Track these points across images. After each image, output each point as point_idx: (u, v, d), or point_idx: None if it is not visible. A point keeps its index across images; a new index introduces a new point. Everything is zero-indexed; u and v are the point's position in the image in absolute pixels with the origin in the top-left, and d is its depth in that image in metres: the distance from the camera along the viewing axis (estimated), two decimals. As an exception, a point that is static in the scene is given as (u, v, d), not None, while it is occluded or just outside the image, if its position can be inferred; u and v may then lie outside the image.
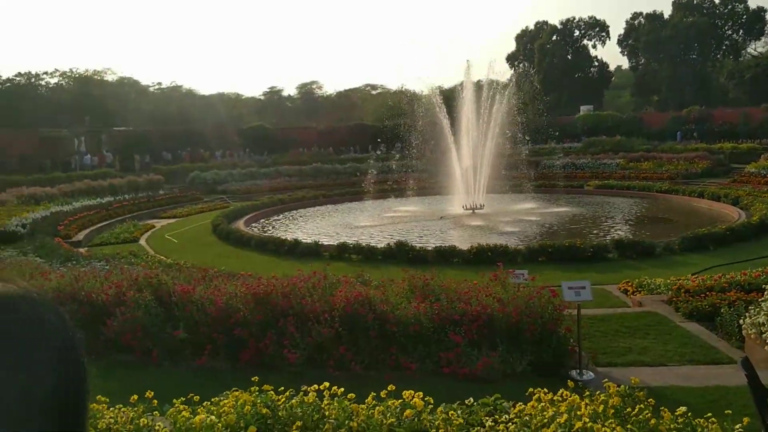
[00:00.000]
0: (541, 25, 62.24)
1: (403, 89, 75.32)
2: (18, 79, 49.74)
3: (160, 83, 70.82)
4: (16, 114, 44.15)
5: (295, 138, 47.08)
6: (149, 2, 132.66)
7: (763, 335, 5.65)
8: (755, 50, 58.13)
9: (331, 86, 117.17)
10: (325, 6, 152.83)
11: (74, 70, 54.81)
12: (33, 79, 50.57)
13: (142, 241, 19.55)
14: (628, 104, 62.86)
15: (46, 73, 52.26)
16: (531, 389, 3.70)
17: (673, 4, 56.44)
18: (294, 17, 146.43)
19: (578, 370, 5.25)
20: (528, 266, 13.76)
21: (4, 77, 49.28)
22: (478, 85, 26.88)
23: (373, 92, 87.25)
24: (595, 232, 18.70)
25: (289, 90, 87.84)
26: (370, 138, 48.07)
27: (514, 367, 5.14)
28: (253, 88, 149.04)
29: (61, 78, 53.45)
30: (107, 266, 9.56)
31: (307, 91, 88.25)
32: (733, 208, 20.61)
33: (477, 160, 24.39)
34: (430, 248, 14.83)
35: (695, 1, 55.26)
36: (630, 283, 11.06)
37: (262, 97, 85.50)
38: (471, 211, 22.76)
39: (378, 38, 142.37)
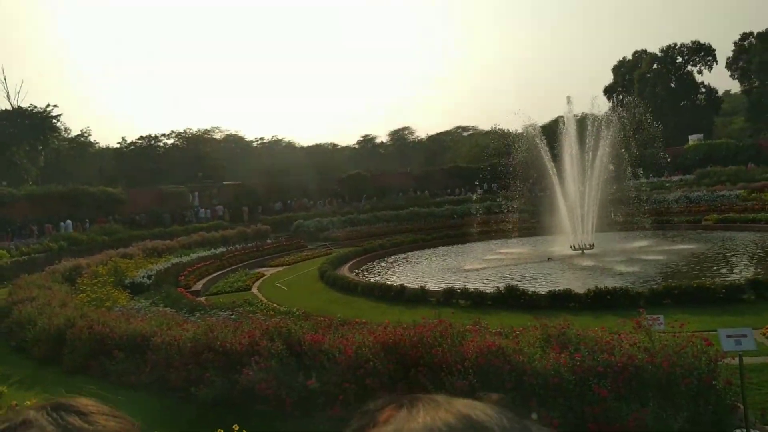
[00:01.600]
0: (640, 54, 60.02)
1: (497, 128, 75.06)
2: (140, 141, 54.67)
3: (262, 138, 75.16)
4: (139, 173, 48.39)
5: (391, 183, 47.86)
6: (248, 66, 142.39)
7: None
8: None
9: (422, 131, 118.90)
10: (416, 54, 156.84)
11: (187, 130, 59.47)
12: (153, 141, 55.36)
13: (254, 290, 20.38)
14: (742, 130, 58.61)
15: (163, 135, 57.03)
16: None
17: (788, 21, 52.60)
18: (386, 66, 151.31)
19: (743, 430, 4.72)
20: (651, 310, 12.89)
21: (129, 141, 54.31)
22: (580, 120, 26.15)
23: (465, 134, 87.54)
24: (722, 271, 17.24)
25: (382, 137, 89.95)
26: (465, 180, 47.96)
27: (669, 424, 4.71)
28: (347, 138, 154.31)
29: (176, 138, 58.12)
30: (233, 315, 9.98)
31: (399, 137, 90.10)
32: None
33: (583, 197, 23.50)
34: (543, 292, 14.25)
35: (814, 17, 51.15)
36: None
37: (357, 146, 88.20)
38: (580, 251, 21.83)
39: (468, 80, 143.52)
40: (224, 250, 27.16)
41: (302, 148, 75.70)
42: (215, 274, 23.04)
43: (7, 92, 51.29)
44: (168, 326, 8.05)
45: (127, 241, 27.09)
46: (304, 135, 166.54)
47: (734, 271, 17.15)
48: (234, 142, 70.50)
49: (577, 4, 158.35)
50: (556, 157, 25.35)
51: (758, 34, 53.83)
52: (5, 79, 50.26)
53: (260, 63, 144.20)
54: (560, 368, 5.13)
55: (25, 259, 24.58)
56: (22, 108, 46.70)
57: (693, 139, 48.21)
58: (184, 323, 8.28)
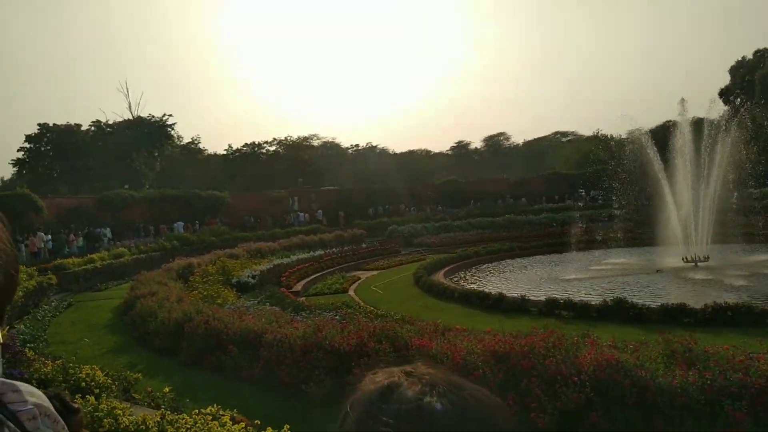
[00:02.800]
0: (763, 53, 55.40)
1: (599, 134, 72.09)
2: (245, 148, 57.59)
3: (357, 145, 76.80)
4: (244, 178, 50.99)
5: (487, 190, 47.19)
6: (345, 75, 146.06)
7: None
8: None
9: (518, 136, 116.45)
10: (513, 58, 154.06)
11: (288, 137, 61.94)
12: (256, 148, 58.14)
13: (351, 292, 20.77)
14: None
15: (266, 142, 59.72)
16: None
17: None
18: (480, 72, 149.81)
19: None
20: (780, 329, 11.80)
21: (234, 147, 57.37)
22: (692, 124, 24.49)
23: (564, 139, 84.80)
24: None
25: (476, 143, 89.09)
26: (564, 187, 46.36)
27: (819, 455, 4.26)
28: (441, 144, 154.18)
29: (278, 146, 60.67)
30: (336, 316, 10.22)
31: (494, 143, 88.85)
32: None
33: (698, 206, 21.98)
34: (654, 306, 13.44)
35: None
36: None
37: (450, 152, 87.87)
38: (693, 263, 20.43)
39: (566, 82, 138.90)
40: (322, 252, 27.92)
41: (395, 154, 76.59)
42: (314, 276, 23.74)
43: (129, 103, 55.79)
44: (278, 324, 8.37)
45: (233, 242, 28.56)
46: (398, 142, 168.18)
47: None
48: (331, 149, 72.60)
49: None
50: (666, 164, 23.91)
51: None
52: (128, 91, 54.80)
53: (356, 70, 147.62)
54: (688, 386, 4.79)
55: (144, 257, 26.57)
56: (141, 117, 50.73)
57: (825, 144, 43.70)
58: (293, 322, 8.57)
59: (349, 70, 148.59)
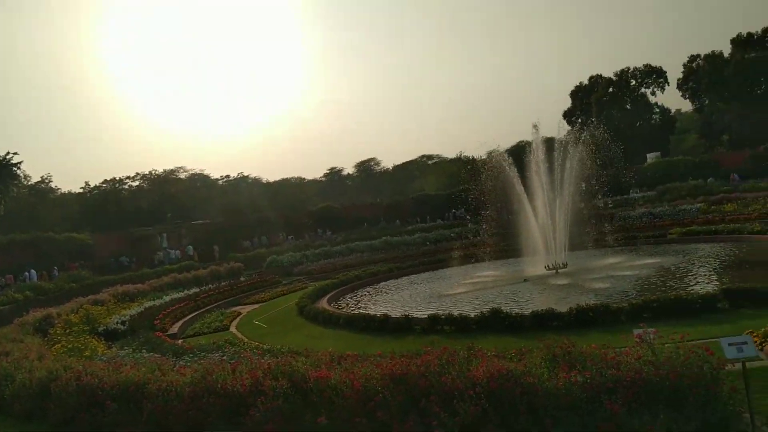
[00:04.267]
0: (596, 79, 62.31)
1: (462, 156, 76.25)
2: (104, 185, 53.64)
3: (227, 175, 74.75)
4: (104, 217, 47.35)
5: (362, 214, 48.03)
6: (206, 101, 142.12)
7: None
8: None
9: (388, 161, 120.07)
10: (374, 86, 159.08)
11: (152, 171, 58.71)
12: (117, 184, 54.40)
13: (233, 329, 20.02)
14: (694, 147, 61.02)
15: (128, 177, 56.11)
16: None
17: (732, 41, 55.46)
18: (345, 99, 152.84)
19: (752, 434, 4.87)
20: (632, 324, 13.15)
21: (92, 185, 53.21)
22: (545, 142, 26.81)
23: (429, 162, 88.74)
24: (692, 282, 17.74)
25: (348, 169, 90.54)
26: (434, 207, 48.49)
27: (681, 435, 4.81)
28: (313, 171, 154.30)
29: (141, 180, 57.25)
30: (224, 356, 9.80)
31: (365, 168, 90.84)
32: (843, 243, 19.16)
33: (554, 218, 24.01)
34: (526, 313, 14.40)
35: (755, 36, 54.09)
36: (755, 334, 10.32)
37: (324, 179, 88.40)
38: (554, 270, 22.21)
39: (428, 109, 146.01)
40: (198, 290, 26.69)
41: (269, 183, 75.47)
42: (191, 316, 22.59)
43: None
44: (161, 372, 7.85)
45: (97, 287, 26.39)
46: (270, 171, 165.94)
47: (703, 281, 17.67)
48: (199, 181, 69.91)
49: (531, 33, 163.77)
50: (524, 180, 25.89)
51: (705, 56, 56.60)
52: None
53: (226, 100, 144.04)
54: (572, 387, 5.21)
55: (-11, 313, 23.61)
56: (-22, 156, 45.31)
57: (651, 157, 49.96)
58: (177, 368, 8.08)
59: (217, 101, 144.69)
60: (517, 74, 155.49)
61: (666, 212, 34.20)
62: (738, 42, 55.51)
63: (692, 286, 16.96)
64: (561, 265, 22.38)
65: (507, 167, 25.57)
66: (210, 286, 27.80)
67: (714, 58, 55.57)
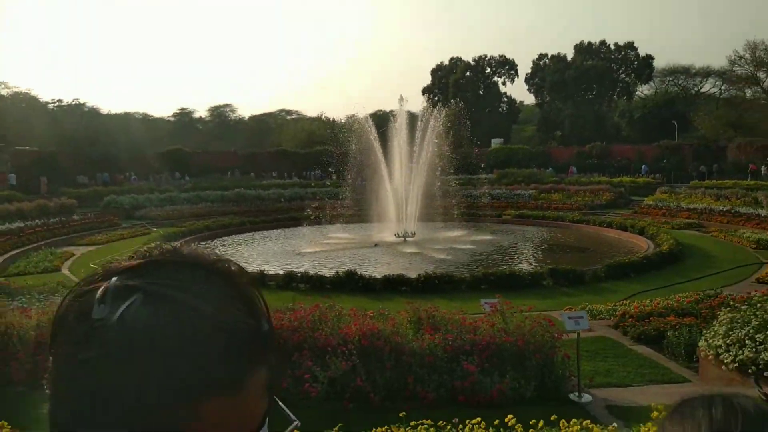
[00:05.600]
0: (456, 61, 65.34)
1: (323, 116, 75.81)
2: None
3: (60, 100, 67.11)
4: None
5: (215, 162, 46.06)
6: (44, 11, 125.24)
7: (720, 356, 6.48)
8: (642, 93, 64.22)
9: (245, 110, 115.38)
10: (237, 27, 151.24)
11: (-35, 82, 50.55)
12: None
13: (65, 270, 18.43)
14: (531, 138, 67.09)
15: (-67, 85, 47.77)
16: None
17: (575, 47, 61.36)
18: (204, 34, 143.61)
19: (577, 393, 5.80)
20: (472, 293, 14.53)
21: None
22: (408, 116, 27.76)
23: (288, 117, 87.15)
24: (520, 260, 19.86)
25: (201, 112, 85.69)
26: (292, 164, 47.99)
27: (522, 392, 5.59)
28: (161, 109, 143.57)
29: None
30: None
31: (219, 113, 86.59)
32: (641, 237, 22.57)
33: (407, 188, 25.15)
34: (378, 277, 15.16)
35: (594, 46, 60.38)
36: (573, 309, 11.97)
37: (172, 119, 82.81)
38: (402, 238, 23.38)
39: (290, 63, 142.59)
40: (22, 225, 23.95)
41: (109, 115, 68.92)
42: (13, 252, 20.32)
43: None
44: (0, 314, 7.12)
45: None
46: (109, 101, 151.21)
47: (531, 260, 19.89)
48: (25, 101, 61.72)
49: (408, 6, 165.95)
50: (383, 149, 26.66)
51: (552, 56, 62.06)
52: None
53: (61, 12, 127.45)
54: (434, 347, 5.74)
55: None
56: None
57: (495, 142, 53.97)
58: (21, 310, 7.37)
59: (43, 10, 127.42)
60: (383, 47, 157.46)
61: (503, 194, 37.35)
62: (580, 48, 61.60)
63: (521, 263, 19.03)
64: (410, 234, 23.62)
65: (369, 132, 26.11)
66: (37, 221, 25.04)
67: (559, 59, 61.13)
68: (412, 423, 3.62)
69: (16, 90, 61.41)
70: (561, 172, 42.68)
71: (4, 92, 59.75)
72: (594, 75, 57.07)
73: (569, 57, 61.31)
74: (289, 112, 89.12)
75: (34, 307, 7.68)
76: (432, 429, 3.47)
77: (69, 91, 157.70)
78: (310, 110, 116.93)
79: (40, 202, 28.02)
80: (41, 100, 64.70)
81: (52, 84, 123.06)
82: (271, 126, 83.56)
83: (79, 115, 63.39)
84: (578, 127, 54.96)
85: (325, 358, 5.74)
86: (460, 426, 3.58)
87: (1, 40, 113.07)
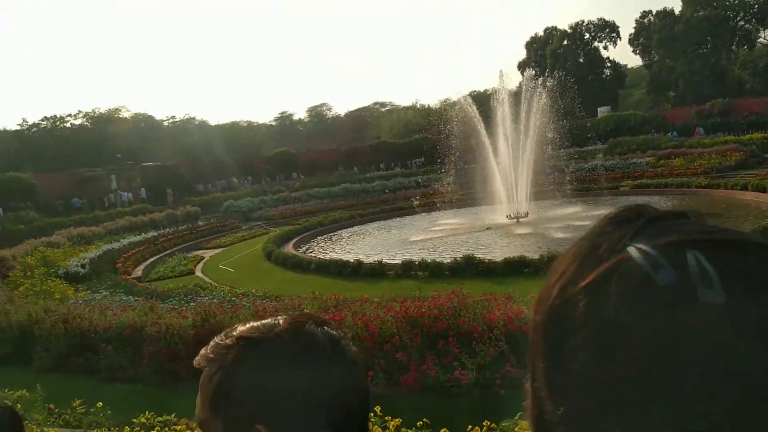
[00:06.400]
0: (551, 31, 62.59)
1: (417, 104, 75.73)
2: (44, 123, 50.67)
3: (173, 116, 72.03)
4: (45, 156, 44.94)
5: (319, 160, 47.44)
6: (151, 37, 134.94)
7: None
8: (765, 39, 58.01)
9: (340, 107, 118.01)
10: (328, 29, 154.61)
11: (95, 110, 55.76)
12: (58, 122, 51.47)
13: (198, 273, 19.73)
14: (640, 102, 62.82)
15: (69, 115, 53.14)
16: None
17: (683, -1, 56.66)
18: (296, 41, 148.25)
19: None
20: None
21: (30, 122, 50.19)
22: (510, 93, 26.91)
23: (383, 109, 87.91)
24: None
25: (299, 114, 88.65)
26: (392, 155, 48.38)
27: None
28: (262, 115, 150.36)
29: (83, 119, 54.35)
30: (215, 300, 9.70)
31: (317, 113, 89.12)
32: (784, 198, 20.42)
33: (517, 167, 24.44)
34: (498, 260, 14.83)
35: (705, -5, 55.38)
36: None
37: (274, 123, 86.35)
38: (516, 219, 22.76)
39: (382, 55, 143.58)
40: (155, 234, 26.01)
41: (217, 126, 73.15)
42: (152, 259, 22.09)
43: None
44: (157, 315, 7.71)
45: (47, 229, 25.28)
46: (215, 113, 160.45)
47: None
48: (144, 121, 67.01)
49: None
50: (487, 129, 26.03)
51: (657, 12, 57.60)
52: None
53: (162, 38, 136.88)
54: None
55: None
56: None
57: (602, 111, 51.16)
58: (178, 311, 7.95)
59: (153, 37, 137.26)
60: (472, 24, 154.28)
61: (617, 165, 35.30)
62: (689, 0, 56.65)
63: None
64: (522, 214, 22.94)
65: (472, 113, 25.60)
66: (168, 230, 27.11)
67: (665, 14, 56.60)
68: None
69: (136, 112, 66.66)
70: (684, 136, 39.56)
71: (126, 115, 65.04)
72: (707, 26, 52.22)
73: (677, 10, 56.61)
74: (383, 104, 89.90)
75: (184, 308, 8.23)
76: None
77: (179, 107, 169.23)
78: (403, 100, 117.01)
79: (169, 211, 30.30)
80: (157, 118, 69.89)
81: (164, 103, 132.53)
82: (367, 120, 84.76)
83: (191, 128, 67.79)
84: (694, 84, 50.71)
85: (472, 344, 5.64)
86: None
87: (121, 66, 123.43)
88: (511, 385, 5.52)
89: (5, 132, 51.59)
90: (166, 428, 3.72)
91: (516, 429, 3.49)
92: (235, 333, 0.77)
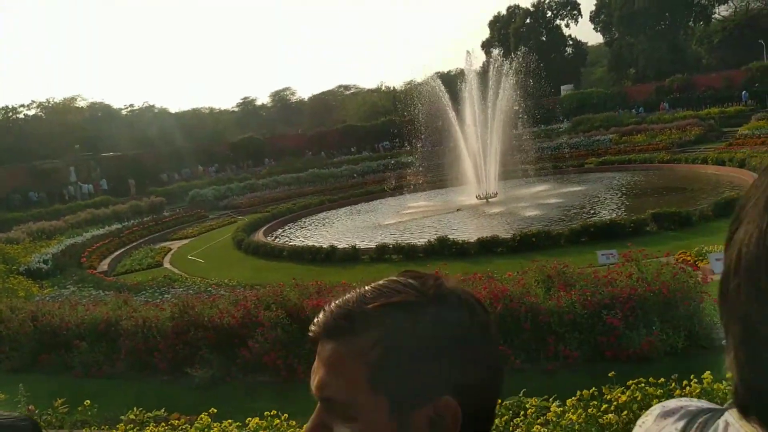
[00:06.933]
0: (513, 9, 62.79)
1: (383, 87, 75.26)
2: (-6, 114, 48.65)
3: (131, 105, 70.01)
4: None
5: (285, 145, 46.84)
6: (105, 24, 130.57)
7: None
8: (720, 15, 59.33)
9: (303, 91, 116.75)
10: (286, 12, 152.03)
11: (50, 99, 53.73)
12: (10, 113, 49.46)
13: (167, 265, 19.30)
14: (601, 80, 63.69)
15: (22, 105, 51.12)
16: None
17: (642, -24, 57.32)
18: (255, 25, 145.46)
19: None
20: (572, 247, 14.03)
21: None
22: (458, 75, 26.86)
23: (347, 93, 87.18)
24: (614, 209, 18.99)
25: (263, 99, 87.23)
26: (359, 139, 48.08)
27: (673, 343, 5.25)
28: (224, 101, 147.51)
29: (38, 109, 52.35)
30: (190, 291, 9.47)
31: (281, 98, 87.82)
32: (743, 170, 20.98)
33: (485, 147, 24.53)
34: (472, 240, 14.89)
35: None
36: (687, 254, 11.26)
37: (237, 109, 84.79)
38: (485, 200, 22.89)
39: (342, 37, 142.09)
40: (120, 226, 25.30)
41: (178, 113, 71.40)
42: (117, 253, 21.51)
43: None
44: (132, 308, 7.48)
45: (4, 224, 24.36)
46: (176, 101, 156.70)
47: (623, 207, 18.99)
48: (101, 110, 64.86)
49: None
50: (455, 110, 25.98)
51: (617, -12, 58.18)
52: None
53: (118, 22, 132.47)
54: (573, 304, 5.48)
55: None
56: None
57: (565, 89, 51.74)
58: (156, 304, 7.73)
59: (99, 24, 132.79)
60: (433, 4, 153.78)
61: (581, 143, 35.82)
62: (647, -24, 57.38)
63: (616, 212, 18.19)
64: (492, 195, 23.09)
65: (439, 91, 25.50)
66: (132, 222, 26.40)
67: (625, -9, 57.25)
68: (629, 383, 3.40)
69: (92, 101, 64.52)
70: (648, 112, 40.29)
71: (82, 104, 62.89)
72: (666, 2, 53.12)
73: (636, -13, 57.33)
74: (347, 87, 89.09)
75: (159, 301, 8.01)
76: (650, 389, 3.24)
77: (137, 95, 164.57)
78: (368, 82, 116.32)
79: (132, 203, 29.53)
80: (115, 107, 67.79)
81: (121, 91, 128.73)
82: (332, 104, 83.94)
83: (151, 116, 65.99)
84: (654, 61, 51.64)
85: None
86: (685, 381, 3.32)
87: (75, 54, 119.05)
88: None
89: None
90: (163, 423, 3.59)
91: (526, 406, 3.46)
92: (373, 297, 0.63)
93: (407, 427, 0.60)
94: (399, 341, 0.60)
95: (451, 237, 15.26)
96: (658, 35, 53.79)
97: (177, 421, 3.81)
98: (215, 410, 4.07)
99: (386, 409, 0.60)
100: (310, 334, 0.67)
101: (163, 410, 4.32)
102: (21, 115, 50.91)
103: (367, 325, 0.61)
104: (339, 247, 16.47)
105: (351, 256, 15.75)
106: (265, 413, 3.85)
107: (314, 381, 0.64)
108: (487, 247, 14.43)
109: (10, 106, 50.20)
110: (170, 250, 22.10)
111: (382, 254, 15.39)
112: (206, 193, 33.26)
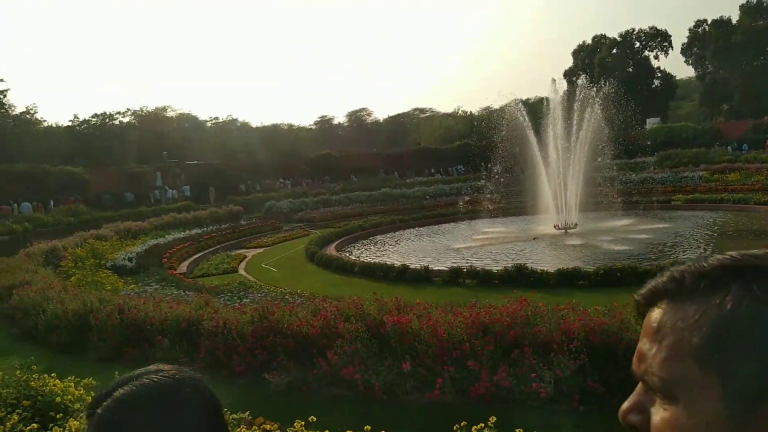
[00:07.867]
0: (600, 39, 61.31)
1: (459, 111, 75.08)
2: (94, 120, 52.12)
3: (216, 117, 73.28)
4: (95, 152, 46.15)
5: (360, 164, 47.41)
6: (197, 40, 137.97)
7: None
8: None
9: (379, 113, 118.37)
10: (368, 36, 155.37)
11: (143, 108, 57.07)
12: (107, 119, 52.86)
13: (242, 271, 19.73)
14: (690, 115, 60.87)
15: (118, 112, 54.55)
16: None
17: (741, 8, 54.59)
18: (336, 47, 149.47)
19: None
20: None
21: (81, 118, 51.69)
22: (538, 102, 26.24)
23: (422, 116, 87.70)
24: (703, 248, 17.84)
25: (339, 118, 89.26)
26: (434, 161, 48.01)
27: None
28: (302, 118, 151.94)
29: (131, 117, 55.70)
30: (267, 297, 9.55)
31: (357, 118, 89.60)
32: None
33: (567, 177, 23.79)
34: (551, 270, 14.31)
35: (765, 4, 53.27)
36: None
37: (314, 127, 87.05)
38: (564, 230, 22.12)
39: (424, 62, 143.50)
40: (199, 231, 26.25)
41: (259, 128, 74.07)
42: (196, 256, 22.24)
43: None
44: (213, 309, 7.58)
45: (95, 222, 25.80)
46: (257, 115, 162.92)
47: (717, 247, 17.76)
48: (188, 121, 68.33)
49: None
50: (537, 137, 25.43)
51: (712, 21, 55.77)
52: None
53: (207, 41, 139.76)
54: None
55: (-13, 243, 23.00)
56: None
57: (651, 122, 49.74)
58: (236, 307, 7.81)
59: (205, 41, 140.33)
60: (516, 32, 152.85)
61: (667, 179, 34.20)
62: (747, 8, 54.66)
63: (707, 251, 17.06)
64: (571, 225, 22.30)
65: (521, 119, 25.07)
66: (211, 227, 27.36)
67: (721, 23, 54.79)
68: None
69: (181, 112, 68.05)
70: (754, 149, 37.98)
71: (172, 114, 66.43)
72: (766, 36, 50.32)
73: (734, 20, 54.70)
74: (422, 111, 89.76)
75: (238, 304, 8.08)
76: None
77: (222, 108, 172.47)
78: (444, 107, 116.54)
79: (212, 209, 30.61)
80: (201, 118, 71.21)
81: (208, 103, 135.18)
82: (407, 126, 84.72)
83: (234, 129, 68.76)
84: (752, 97, 48.82)
85: (549, 355, 5.28)
86: None
87: (167, 68, 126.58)
88: (592, 401, 5.16)
89: (58, 128, 53.28)
90: (255, 427, 3.51)
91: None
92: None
93: (751, 424, 0.45)
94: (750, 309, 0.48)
95: (529, 265, 14.71)
96: (757, 70, 50.88)
97: (269, 425, 3.72)
98: (314, 419, 3.95)
99: (719, 394, 0.46)
100: (638, 298, 0.57)
101: (248, 413, 4.26)
102: (116, 122, 54.24)
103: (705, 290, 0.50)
104: (411, 266, 16.26)
105: (423, 277, 15.49)
106: None
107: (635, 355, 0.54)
108: (568, 279, 13.81)
109: (108, 113, 53.60)
110: (245, 257, 22.63)
111: (455, 277, 15.06)
112: (282, 205, 34.04)
